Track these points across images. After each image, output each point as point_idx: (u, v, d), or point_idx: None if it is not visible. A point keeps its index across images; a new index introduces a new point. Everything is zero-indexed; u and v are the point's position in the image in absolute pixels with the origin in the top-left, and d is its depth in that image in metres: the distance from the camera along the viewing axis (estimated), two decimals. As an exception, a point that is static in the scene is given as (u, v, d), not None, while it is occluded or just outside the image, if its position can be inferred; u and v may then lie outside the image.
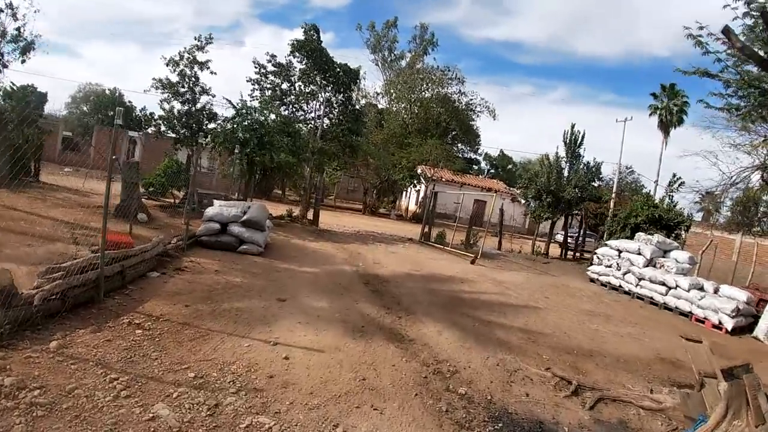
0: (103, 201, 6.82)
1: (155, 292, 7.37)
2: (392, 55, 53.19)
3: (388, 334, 7.16)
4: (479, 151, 59.39)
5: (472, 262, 16.50)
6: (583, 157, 23.36)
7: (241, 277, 9.21)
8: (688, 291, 13.91)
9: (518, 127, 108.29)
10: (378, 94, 52.79)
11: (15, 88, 18.77)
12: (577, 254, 25.09)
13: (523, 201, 38.99)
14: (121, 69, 45.92)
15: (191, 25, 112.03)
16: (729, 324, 12.66)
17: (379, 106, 52.04)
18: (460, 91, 48.91)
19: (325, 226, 20.28)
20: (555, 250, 24.73)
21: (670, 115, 49.55)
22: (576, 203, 23.30)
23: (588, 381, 6.66)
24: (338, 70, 20.08)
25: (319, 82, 20.04)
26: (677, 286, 14.23)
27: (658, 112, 50.66)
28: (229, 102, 18.38)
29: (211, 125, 18.24)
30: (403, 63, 51.91)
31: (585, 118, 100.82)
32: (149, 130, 20.41)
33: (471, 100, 49.76)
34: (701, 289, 14.01)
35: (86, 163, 22.63)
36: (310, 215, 19.67)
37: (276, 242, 13.82)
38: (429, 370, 6.06)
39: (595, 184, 24.10)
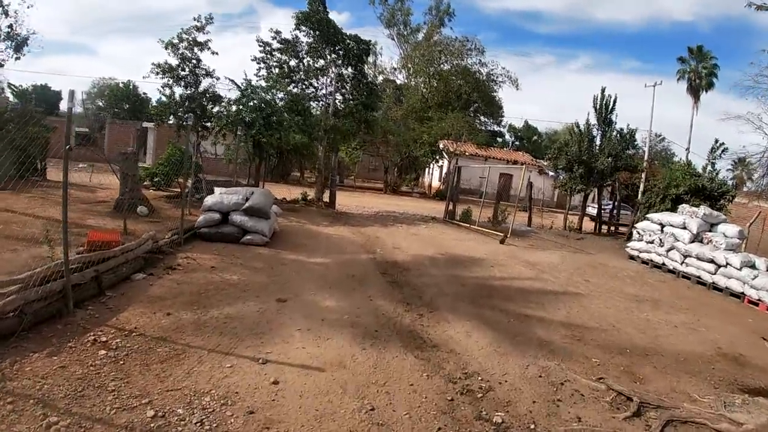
0: (89, 195, 5.78)
1: (137, 297, 6.35)
2: (408, 28, 51.19)
3: (407, 340, 6.00)
4: (503, 123, 57.67)
5: (502, 242, 15.25)
6: (616, 123, 21.78)
7: (240, 273, 8.11)
8: (740, 269, 12.50)
9: (541, 99, 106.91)
10: (395, 69, 51.31)
11: (15, 87, 18.12)
12: (612, 228, 23.62)
13: (551, 173, 37.64)
14: (138, 64, 45.50)
15: (206, 14, 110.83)
16: None
17: (398, 82, 50.76)
18: (480, 61, 47.13)
19: (343, 208, 19.15)
20: (588, 225, 23.26)
21: (699, 78, 47.47)
22: (610, 173, 21.76)
23: (649, 391, 5.44)
24: (348, 41, 18.77)
25: (328, 56, 18.76)
26: (728, 263, 12.80)
27: (686, 76, 48.56)
28: (233, 82, 17.28)
29: (216, 108, 17.14)
30: (420, 36, 50.02)
31: (609, 87, 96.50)
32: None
33: (492, 70, 47.93)
34: (753, 266, 12.58)
35: (95, 157, 21.75)
36: (326, 197, 18.50)
37: (286, 229, 12.75)
38: (456, 388, 4.89)
39: (630, 152, 22.38)
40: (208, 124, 17.25)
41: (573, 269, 12.65)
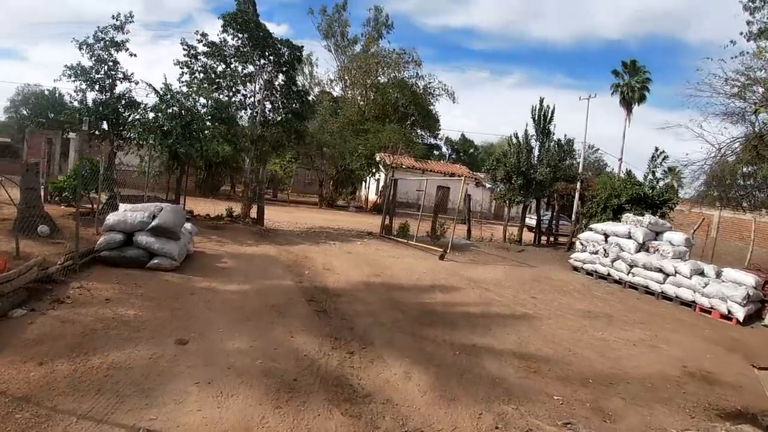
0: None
1: (9, 341, 5.01)
2: (345, 39, 50.57)
3: (333, 389, 4.88)
4: (439, 136, 57.81)
5: (442, 258, 14.37)
6: (554, 134, 21.43)
7: (138, 307, 6.74)
8: (690, 278, 12.24)
9: (476, 114, 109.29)
10: (332, 80, 50.66)
11: None
12: (551, 239, 23.30)
13: (488, 185, 37.42)
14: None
15: (141, 21, 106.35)
16: (740, 313, 11.07)
17: (334, 94, 50.00)
18: (417, 74, 47.18)
19: (272, 224, 17.81)
20: (527, 236, 22.78)
21: (632, 92, 49.38)
22: (549, 184, 21.38)
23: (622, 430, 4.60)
24: (279, 46, 17.55)
25: (257, 62, 17.48)
26: (677, 272, 12.51)
27: (619, 89, 50.37)
28: (151, 87, 15.77)
29: (133, 116, 15.55)
30: (357, 48, 49.44)
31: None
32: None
33: (429, 83, 48.01)
34: (702, 274, 12.37)
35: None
36: (254, 213, 17.09)
37: (204, 250, 11.33)
38: (395, 459, 3.85)
39: (567, 163, 22.07)
40: (126, 134, 15.65)
41: (518, 285, 11.89)
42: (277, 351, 5.72)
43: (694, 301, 11.97)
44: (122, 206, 9.97)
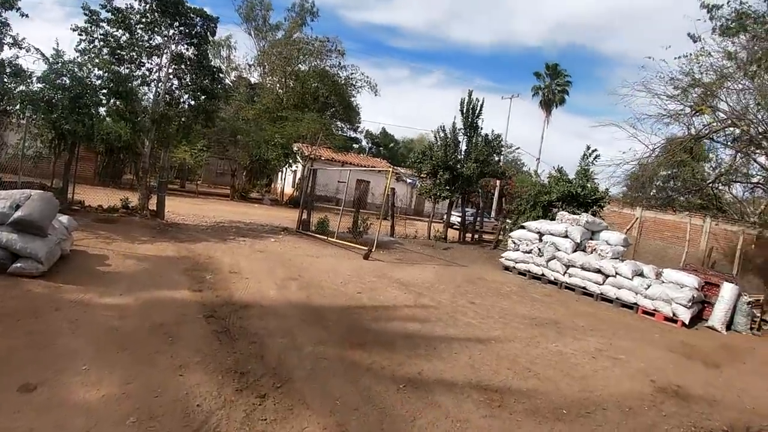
0: None
1: None
2: (267, 24, 48.14)
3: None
4: (360, 129, 56.50)
5: (366, 257, 12.93)
6: (482, 128, 20.47)
7: (-28, 330, 4.91)
8: (632, 279, 11.66)
9: (395, 110, 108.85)
10: (250, 66, 48.13)
11: None
12: (475, 236, 22.45)
13: (408, 180, 36.52)
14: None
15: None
16: (686, 316, 10.62)
17: (252, 81, 47.64)
18: (339, 64, 45.61)
19: (175, 217, 15.63)
20: (451, 233, 21.70)
21: (553, 94, 50.86)
22: (476, 180, 20.46)
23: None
24: (192, 16, 15.38)
25: (165, 31, 15.25)
26: (617, 273, 11.91)
27: (541, 91, 51.62)
28: (39, 52, 13.36)
29: (20, 87, 13.07)
30: (279, 35, 47.15)
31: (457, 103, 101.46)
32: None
33: (352, 74, 46.60)
34: (642, 275, 11.80)
35: None
36: (154, 205, 14.91)
37: (86, 249, 9.20)
38: None
39: (495, 159, 21.20)
40: (6, 107, 13.16)
41: (452, 288, 10.66)
42: (158, 399, 4.02)
43: (636, 303, 11.44)
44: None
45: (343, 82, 45.91)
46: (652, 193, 19.42)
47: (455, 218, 22.71)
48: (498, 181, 35.47)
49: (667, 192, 18.40)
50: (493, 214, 35.73)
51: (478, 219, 23.16)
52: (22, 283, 6.63)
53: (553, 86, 51.20)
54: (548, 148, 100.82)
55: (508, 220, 21.70)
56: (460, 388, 5.20)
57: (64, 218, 8.63)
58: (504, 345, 7.01)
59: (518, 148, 46.01)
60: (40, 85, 12.57)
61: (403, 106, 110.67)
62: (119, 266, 8.30)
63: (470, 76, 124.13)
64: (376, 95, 48.31)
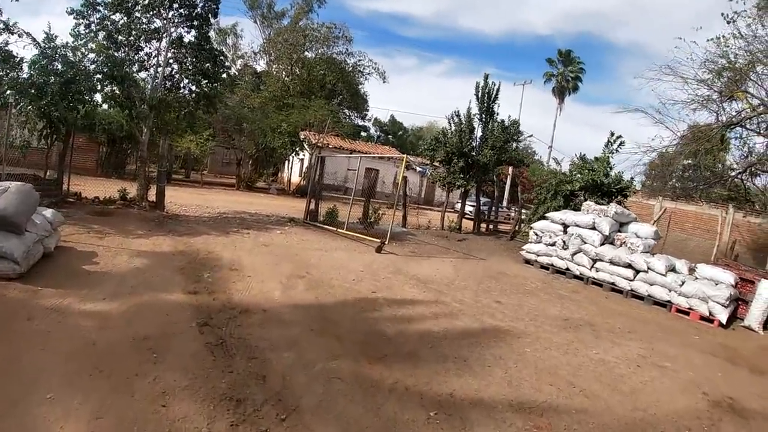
0: None
1: None
2: (272, 12, 47.17)
3: None
4: (368, 117, 55.61)
5: (379, 250, 12.05)
6: (498, 114, 19.47)
7: None
8: (665, 275, 10.65)
9: (403, 99, 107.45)
10: (256, 54, 47.24)
11: None
12: (490, 227, 21.53)
13: (418, 168, 35.57)
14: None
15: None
16: (723, 315, 9.67)
17: (258, 69, 46.77)
18: (347, 50, 44.83)
19: (177, 209, 14.79)
20: (465, 223, 20.78)
21: (566, 81, 49.85)
22: (492, 168, 19.50)
23: None
24: None
25: (164, 13, 14.34)
26: (649, 268, 10.94)
27: (553, 78, 50.57)
28: (30, 36, 12.52)
29: (9, 73, 12.22)
30: (285, 22, 46.19)
31: (469, 92, 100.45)
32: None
33: (359, 61, 45.70)
34: (674, 270, 10.80)
35: None
36: (153, 196, 14.06)
37: (75, 245, 8.38)
38: None
39: (512, 146, 20.14)
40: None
41: (474, 284, 9.78)
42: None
43: (669, 301, 10.47)
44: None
45: (350, 69, 45.15)
46: (670, 183, 18.60)
47: (469, 208, 21.77)
48: (510, 170, 34.51)
49: (693, 181, 17.48)
50: (505, 203, 34.84)
51: (493, 209, 22.24)
52: (-3, 286, 5.81)
53: (566, 73, 50.19)
54: (559, 138, 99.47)
55: (525, 210, 20.80)
56: (500, 412, 4.34)
57: (48, 212, 7.76)
58: (540, 353, 6.14)
59: (530, 136, 44.72)
60: (29, 71, 11.74)
61: (411, 95, 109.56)
62: (108, 264, 7.45)
63: (479, 64, 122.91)
64: (384, 82, 47.40)
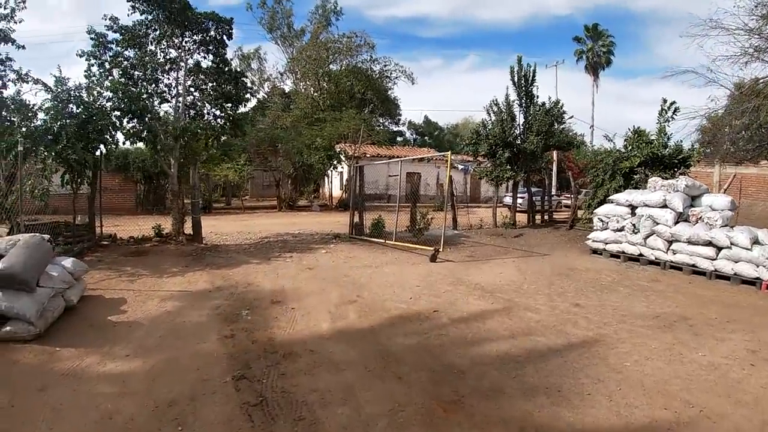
0: None
1: None
2: (291, 30, 47.10)
3: None
4: (401, 122, 54.90)
5: (433, 259, 11.09)
6: (538, 97, 18.26)
7: None
8: (751, 249, 9.31)
9: (432, 101, 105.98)
10: (281, 74, 47.28)
11: None
12: (545, 218, 20.29)
13: (460, 166, 34.43)
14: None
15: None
16: None
17: (286, 89, 46.77)
18: (371, 57, 44.47)
19: (217, 238, 14.22)
20: (517, 217, 19.56)
21: (598, 57, 48.03)
22: (540, 154, 18.30)
23: None
24: (203, 21, 13.91)
25: (178, 43, 13.85)
26: (732, 243, 9.60)
27: (584, 55, 48.73)
28: (41, 83, 12.21)
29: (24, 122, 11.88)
30: (306, 39, 46.02)
31: (500, 81, 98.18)
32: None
33: (385, 66, 45.19)
34: (757, 242, 9.43)
35: None
36: (189, 229, 13.48)
37: (103, 293, 7.74)
38: None
39: (558, 128, 18.83)
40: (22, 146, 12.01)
41: (545, 286, 8.73)
42: None
43: (759, 278, 9.08)
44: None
45: (377, 75, 44.76)
46: (725, 147, 17.18)
47: (518, 200, 20.57)
48: (555, 155, 32.99)
49: (751, 142, 16.02)
50: (554, 191, 33.32)
51: (546, 198, 21.02)
52: (12, 350, 5.24)
53: (596, 48, 48.21)
54: (598, 116, 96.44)
55: (580, 196, 19.51)
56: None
57: (67, 262, 7.13)
58: (642, 366, 5.07)
59: (571, 117, 43.05)
60: (44, 117, 11.32)
61: (441, 95, 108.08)
62: (136, 312, 6.75)
63: (505, 55, 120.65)
64: (413, 84, 46.83)
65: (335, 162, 29.78)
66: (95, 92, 12.37)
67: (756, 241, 9.40)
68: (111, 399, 4.18)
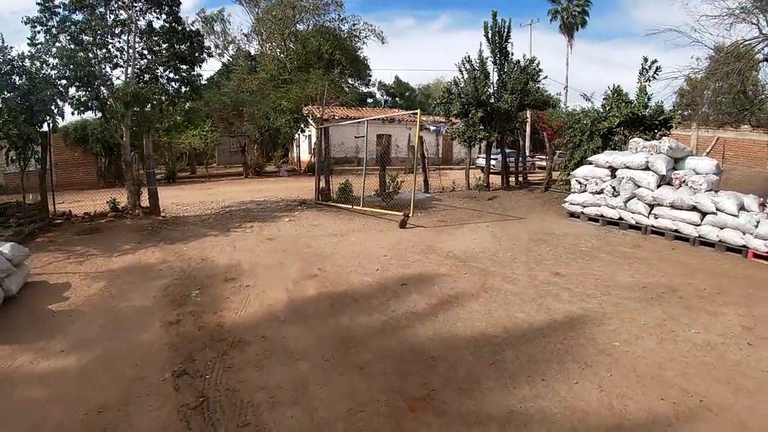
0: None
1: None
2: (258, -9, 45.11)
3: None
4: (371, 83, 53.53)
5: (403, 225, 10.47)
6: (512, 54, 17.48)
7: None
8: (737, 215, 8.87)
9: (405, 62, 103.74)
10: (246, 36, 45.52)
11: None
12: (519, 179, 19.74)
13: (432, 128, 33.71)
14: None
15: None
16: None
17: (252, 52, 45.16)
18: (339, 16, 42.87)
19: (178, 209, 13.34)
20: (491, 179, 18.97)
21: (572, 17, 47.09)
22: (515, 114, 17.62)
23: None
24: None
25: (129, 3, 12.66)
26: (718, 209, 9.11)
27: (558, 15, 47.69)
28: None
29: None
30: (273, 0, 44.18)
31: (472, 43, 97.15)
32: None
33: (354, 25, 43.75)
34: (743, 208, 8.99)
35: None
36: (146, 201, 12.51)
37: (48, 278, 7.02)
38: None
39: (533, 86, 18.10)
40: None
41: (522, 254, 8.21)
42: None
43: (745, 246, 8.68)
44: None
45: (345, 35, 43.38)
46: (702, 110, 16.72)
47: (492, 161, 19.94)
48: (528, 115, 32.46)
49: (729, 106, 15.55)
50: (527, 152, 32.87)
51: (520, 159, 20.45)
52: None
53: (571, 8, 47.21)
54: (573, 78, 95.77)
55: (555, 157, 18.98)
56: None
57: (5, 248, 6.29)
58: (633, 347, 4.59)
59: (546, 77, 42.52)
60: None
61: (413, 56, 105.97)
62: (79, 297, 6.04)
63: (478, 15, 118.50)
64: (383, 43, 45.46)
65: (302, 125, 28.72)
66: (39, 60, 11.28)
67: (742, 207, 8.97)
68: (40, 405, 3.64)
